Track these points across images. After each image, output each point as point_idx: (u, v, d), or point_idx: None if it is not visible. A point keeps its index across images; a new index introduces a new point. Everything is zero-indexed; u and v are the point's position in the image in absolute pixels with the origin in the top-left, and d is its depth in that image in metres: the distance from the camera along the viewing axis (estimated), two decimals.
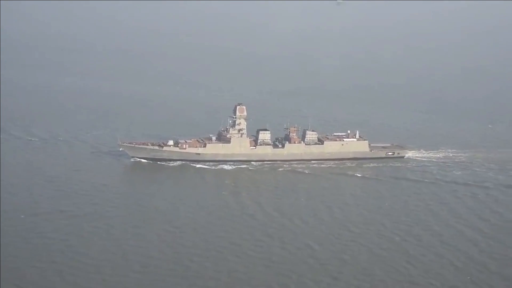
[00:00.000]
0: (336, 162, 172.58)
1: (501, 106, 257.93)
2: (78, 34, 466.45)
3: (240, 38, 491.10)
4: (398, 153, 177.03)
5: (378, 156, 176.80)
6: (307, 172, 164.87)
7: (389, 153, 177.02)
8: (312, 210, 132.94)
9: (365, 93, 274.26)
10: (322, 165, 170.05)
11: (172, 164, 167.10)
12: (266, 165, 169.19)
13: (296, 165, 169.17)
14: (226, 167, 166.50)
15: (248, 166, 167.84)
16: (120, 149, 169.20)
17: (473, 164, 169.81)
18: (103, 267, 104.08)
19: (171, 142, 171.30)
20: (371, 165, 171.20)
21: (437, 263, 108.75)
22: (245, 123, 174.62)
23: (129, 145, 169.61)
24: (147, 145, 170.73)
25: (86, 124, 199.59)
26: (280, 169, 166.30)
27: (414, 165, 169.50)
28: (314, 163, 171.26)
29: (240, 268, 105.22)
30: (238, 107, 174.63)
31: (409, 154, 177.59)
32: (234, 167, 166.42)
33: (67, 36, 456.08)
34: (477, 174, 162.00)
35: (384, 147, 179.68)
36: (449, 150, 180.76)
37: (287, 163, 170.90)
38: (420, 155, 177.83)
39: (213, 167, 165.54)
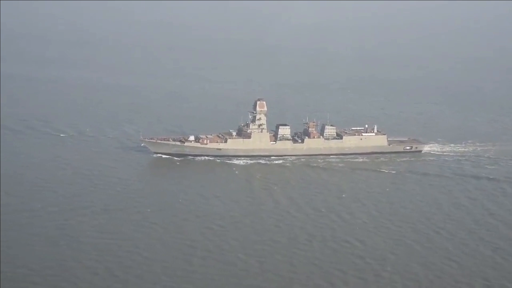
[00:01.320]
0: (364, 157, 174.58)
1: None
2: (92, 28, 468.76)
3: (254, 31, 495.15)
4: (416, 147, 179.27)
5: (396, 150, 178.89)
6: (341, 165, 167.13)
7: (407, 148, 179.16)
8: (347, 206, 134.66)
9: (379, 85, 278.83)
10: (351, 160, 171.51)
11: (196, 159, 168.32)
12: (296, 160, 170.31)
13: (323, 160, 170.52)
14: (249, 161, 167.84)
15: (271, 161, 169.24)
16: (142, 144, 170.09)
17: (497, 158, 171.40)
18: (165, 262, 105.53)
19: (192, 138, 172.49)
20: (399, 159, 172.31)
21: (478, 260, 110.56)
22: (265, 118, 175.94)
23: (151, 141, 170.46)
24: (169, 140, 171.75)
25: (109, 119, 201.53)
26: (309, 164, 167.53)
27: (433, 159, 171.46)
28: (337, 157, 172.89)
29: (285, 266, 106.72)
30: (258, 102, 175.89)
31: (427, 148, 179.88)
32: (254, 161, 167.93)
33: (82, 30, 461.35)
34: (499, 167, 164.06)
35: (401, 141, 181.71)
36: (467, 143, 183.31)
37: (311, 157, 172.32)
38: (437, 149, 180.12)
39: (235, 162, 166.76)
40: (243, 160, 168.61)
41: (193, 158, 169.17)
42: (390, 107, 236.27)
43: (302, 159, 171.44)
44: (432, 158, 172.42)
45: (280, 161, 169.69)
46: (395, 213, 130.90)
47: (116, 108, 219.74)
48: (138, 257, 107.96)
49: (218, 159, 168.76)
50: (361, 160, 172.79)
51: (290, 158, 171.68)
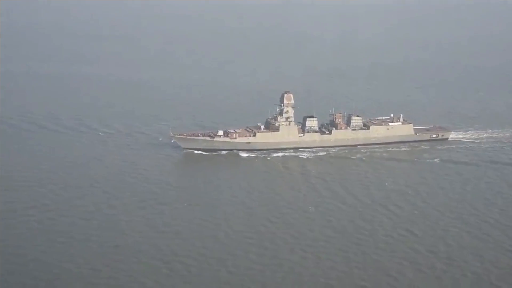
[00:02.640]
0: (406, 145, 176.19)
1: None
2: (111, 24, 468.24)
3: (276, 19, 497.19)
4: (443, 135, 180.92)
5: (423, 139, 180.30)
6: (385, 154, 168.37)
7: (433, 136, 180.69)
8: (401, 195, 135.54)
9: (402, 72, 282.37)
10: (392, 149, 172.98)
11: (227, 153, 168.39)
12: (338, 152, 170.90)
13: (366, 150, 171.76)
14: (285, 154, 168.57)
15: (303, 153, 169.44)
16: (172, 140, 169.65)
17: None
18: (225, 260, 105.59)
19: (220, 133, 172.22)
20: (442, 146, 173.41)
21: None
22: (293, 110, 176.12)
23: (181, 137, 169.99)
24: (198, 136, 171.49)
25: (138, 115, 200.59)
26: (346, 156, 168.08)
27: (463, 146, 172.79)
28: (380, 148, 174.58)
29: (352, 256, 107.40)
30: (285, 95, 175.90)
31: (453, 135, 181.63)
32: (282, 154, 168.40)
33: (100, 25, 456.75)
34: None
35: (427, 130, 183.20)
36: (491, 130, 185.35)
37: (353, 148, 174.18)
38: (463, 136, 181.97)
39: (265, 155, 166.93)
40: (275, 153, 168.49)
41: (222, 153, 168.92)
42: (414, 93, 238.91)
43: (333, 150, 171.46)
44: (461, 146, 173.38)
45: (316, 153, 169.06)
46: (442, 204, 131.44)
47: (144, 104, 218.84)
48: (197, 255, 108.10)
49: (247, 153, 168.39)
50: (403, 149, 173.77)
51: (325, 151, 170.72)
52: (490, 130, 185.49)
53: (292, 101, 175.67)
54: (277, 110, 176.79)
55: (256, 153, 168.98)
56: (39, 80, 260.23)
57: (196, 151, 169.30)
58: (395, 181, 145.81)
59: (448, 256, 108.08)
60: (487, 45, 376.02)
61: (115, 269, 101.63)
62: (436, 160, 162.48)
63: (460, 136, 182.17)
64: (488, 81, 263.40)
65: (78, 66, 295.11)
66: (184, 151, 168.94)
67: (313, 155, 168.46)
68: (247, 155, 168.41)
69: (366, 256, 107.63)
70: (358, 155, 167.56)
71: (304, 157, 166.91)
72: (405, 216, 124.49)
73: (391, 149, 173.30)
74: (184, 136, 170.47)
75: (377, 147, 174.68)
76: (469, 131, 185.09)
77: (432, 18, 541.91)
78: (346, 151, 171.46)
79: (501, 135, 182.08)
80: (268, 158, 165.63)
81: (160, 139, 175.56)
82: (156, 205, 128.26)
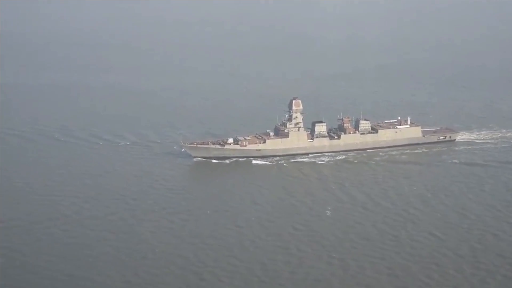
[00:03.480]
0: (423, 147, 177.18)
1: None
2: (111, 32, 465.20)
3: (280, 22, 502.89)
4: (450, 137, 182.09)
5: (431, 141, 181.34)
6: (403, 157, 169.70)
7: (441, 137, 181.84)
8: (419, 198, 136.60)
9: (405, 73, 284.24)
10: (410, 152, 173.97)
11: (239, 161, 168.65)
12: (353, 156, 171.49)
13: (385, 154, 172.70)
14: (298, 160, 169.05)
15: (318, 159, 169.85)
16: (183, 150, 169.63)
17: None
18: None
19: (230, 140, 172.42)
20: (456, 148, 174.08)
21: None
22: (301, 116, 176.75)
23: (191, 145, 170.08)
24: (208, 144, 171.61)
25: (147, 124, 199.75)
26: (373, 160, 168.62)
27: (476, 147, 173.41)
28: (395, 149, 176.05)
29: (378, 262, 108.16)
30: (294, 101, 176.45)
31: (460, 136, 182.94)
32: (301, 159, 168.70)
33: (94, 33, 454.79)
34: None
35: (435, 132, 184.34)
36: (498, 129, 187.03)
37: (365, 152, 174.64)
38: (470, 136, 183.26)
39: (275, 162, 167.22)
40: (287, 159, 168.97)
41: (233, 160, 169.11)
42: (419, 94, 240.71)
43: (350, 154, 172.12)
44: (473, 147, 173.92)
45: (333, 158, 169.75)
46: (464, 206, 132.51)
47: (151, 112, 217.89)
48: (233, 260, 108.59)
49: (259, 160, 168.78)
50: (420, 151, 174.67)
51: (341, 155, 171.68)
52: (497, 130, 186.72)
53: (301, 107, 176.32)
54: (286, 116, 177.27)
55: (267, 159, 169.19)
56: (42, 91, 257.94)
57: (207, 159, 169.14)
58: (413, 184, 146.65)
59: (476, 259, 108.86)
60: (492, 44, 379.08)
61: (148, 281, 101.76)
62: (454, 161, 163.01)
63: (467, 137, 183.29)
64: (493, 81, 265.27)
65: (72, 74, 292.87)
66: (195, 159, 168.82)
67: (327, 159, 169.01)
68: (258, 162, 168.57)
69: (394, 261, 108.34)
70: (376, 158, 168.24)
71: (318, 162, 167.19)
72: (426, 220, 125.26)
73: (408, 151, 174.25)
74: (195, 145, 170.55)
75: (395, 150, 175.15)
76: (475, 132, 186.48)
77: (434, 18, 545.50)
78: (365, 155, 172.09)
79: (509, 134, 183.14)
80: (285, 164, 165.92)
81: (175, 147, 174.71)
82: (178, 214, 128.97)
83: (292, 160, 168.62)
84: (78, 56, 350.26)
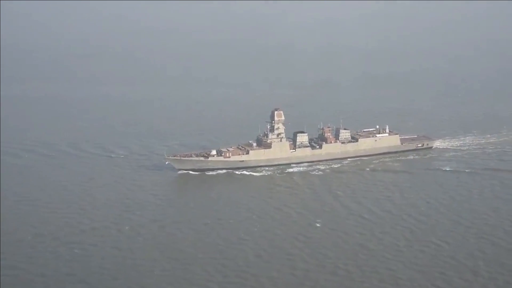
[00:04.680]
0: (413, 153, 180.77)
1: None
2: (89, 38, 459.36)
3: (255, 32, 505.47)
4: (427, 144, 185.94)
5: (409, 148, 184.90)
6: (396, 164, 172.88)
7: (419, 145, 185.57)
8: (414, 206, 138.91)
9: (382, 82, 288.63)
10: (403, 158, 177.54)
11: (222, 173, 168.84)
12: (341, 165, 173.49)
13: (378, 161, 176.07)
14: (292, 170, 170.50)
15: (303, 168, 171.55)
16: (167, 162, 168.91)
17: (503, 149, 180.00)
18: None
19: (214, 152, 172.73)
20: (439, 154, 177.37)
21: None
22: (283, 127, 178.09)
23: (175, 158, 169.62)
24: (191, 156, 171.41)
25: (128, 137, 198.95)
26: (362, 168, 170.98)
27: (450, 154, 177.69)
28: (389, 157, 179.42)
29: (382, 270, 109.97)
30: (276, 112, 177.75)
31: (437, 143, 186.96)
32: (274, 170, 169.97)
33: (78, 41, 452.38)
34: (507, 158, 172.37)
35: (413, 139, 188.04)
36: (472, 136, 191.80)
37: (362, 161, 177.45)
38: (446, 144, 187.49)
39: (257, 173, 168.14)
40: (266, 171, 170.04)
41: (215, 172, 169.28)
42: (397, 102, 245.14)
43: (337, 163, 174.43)
44: (448, 154, 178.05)
45: (315, 167, 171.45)
46: (463, 211, 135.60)
47: (134, 124, 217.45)
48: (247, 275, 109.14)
49: (242, 171, 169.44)
50: (412, 157, 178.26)
51: (335, 165, 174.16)
52: (472, 137, 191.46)
53: (283, 118, 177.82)
54: (268, 127, 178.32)
55: (253, 170, 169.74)
56: (28, 104, 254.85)
57: (190, 172, 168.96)
58: (403, 193, 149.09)
59: (476, 266, 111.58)
60: (465, 50, 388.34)
61: None
62: (445, 169, 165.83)
63: (444, 144, 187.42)
64: (466, 88, 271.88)
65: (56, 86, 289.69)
66: (179, 172, 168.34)
67: (318, 168, 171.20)
68: (245, 172, 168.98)
69: (398, 270, 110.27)
70: (367, 169, 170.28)
71: (311, 172, 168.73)
72: (431, 226, 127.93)
73: (400, 158, 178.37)
74: (178, 158, 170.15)
75: (388, 158, 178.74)
76: (447, 138, 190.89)
77: (414, 22, 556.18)
78: (359, 162, 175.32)
79: (483, 141, 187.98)
80: (278, 175, 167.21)
81: (153, 160, 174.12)
82: (176, 227, 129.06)
83: (278, 170, 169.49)
84: (56, 66, 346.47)
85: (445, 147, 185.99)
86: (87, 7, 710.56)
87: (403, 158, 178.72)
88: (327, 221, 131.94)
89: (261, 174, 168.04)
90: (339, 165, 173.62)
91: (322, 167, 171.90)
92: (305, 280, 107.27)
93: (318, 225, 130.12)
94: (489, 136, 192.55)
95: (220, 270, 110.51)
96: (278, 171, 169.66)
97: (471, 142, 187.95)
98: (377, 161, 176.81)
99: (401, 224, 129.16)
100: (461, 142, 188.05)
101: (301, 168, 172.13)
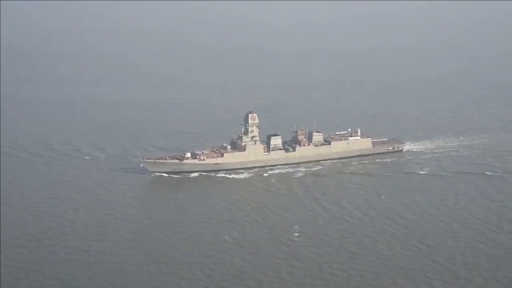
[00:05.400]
0: (389, 156, 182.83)
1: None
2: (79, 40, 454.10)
3: (229, 33, 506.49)
4: (398, 147, 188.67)
5: (380, 151, 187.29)
6: (373, 167, 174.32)
7: (390, 148, 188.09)
8: (392, 209, 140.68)
9: (353, 86, 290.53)
10: (381, 161, 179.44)
11: (197, 175, 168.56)
12: (303, 168, 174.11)
13: (358, 163, 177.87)
14: (247, 175, 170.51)
15: (282, 170, 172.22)
16: (141, 165, 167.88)
17: (469, 153, 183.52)
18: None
19: (188, 155, 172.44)
20: (409, 157, 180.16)
21: None
22: (258, 130, 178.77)
23: (150, 161, 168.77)
24: (166, 159, 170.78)
25: (101, 139, 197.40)
26: (340, 171, 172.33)
27: (419, 157, 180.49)
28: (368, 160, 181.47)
29: (367, 274, 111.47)
30: (250, 115, 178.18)
31: (407, 147, 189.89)
32: (251, 173, 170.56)
33: (69, 42, 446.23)
34: (479, 161, 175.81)
35: (384, 142, 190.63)
36: (441, 139, 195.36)
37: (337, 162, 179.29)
38: (417, 147, 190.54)
39: (234, 176, 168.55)
40: (241, 173, 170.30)
41: (189, 175, 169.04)
42: (369, 106, 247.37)
43: (315, 166, 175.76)
44: (418, 157, 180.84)
45: (293, 170, 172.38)
46: (441, 214, 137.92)
47: (106, 126, 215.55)
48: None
49: (216, 173, 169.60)
50: (390, 160, 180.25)
51: (306, 167, 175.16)
52: (440, 140, 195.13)
53: (257, 121, 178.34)
54: (243, 130, 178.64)
55: (225, 172, 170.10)
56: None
57: (164, 174, 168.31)
58: (380, 195, 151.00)
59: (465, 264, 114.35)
60: (436, 53, 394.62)
61: None
62: (419, 172, 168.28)
63: (415, 147, 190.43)
64: (432, 91, 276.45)
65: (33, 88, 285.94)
66: (153, 174, 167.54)
67: (301, 170, 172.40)
68: (218, 175, 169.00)
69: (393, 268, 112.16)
70: (346, 171, 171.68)
71: (288, 175, 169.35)
72: (412, 229, 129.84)
73: (378, 160, 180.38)
74: (153, 160, 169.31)
75: (366, 161, 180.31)
76: (417, 142, 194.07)
77: (392, 23, 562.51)
78: (339, 164, 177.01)
79: (451, 144, 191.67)
80: (259, 177, 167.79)
81: (127, 164, 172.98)
82: (157, 229, 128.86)
83: (253, 174, 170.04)
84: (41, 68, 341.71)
85: (417, 150, 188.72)
86: (87, 7, 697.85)
87: (379, 160, 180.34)
88: (309, 224, 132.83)
89: (238, 176, 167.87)
90: (317, 168, 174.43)
91: (302, 169, 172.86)
92: (291, 284, 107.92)
93: (296, 228, 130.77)
94: (462, 138, 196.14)
95: (208, 274, 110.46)
96: (253, 174, 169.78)
97: (444, 145, 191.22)
98: (356, 163, 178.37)
99: (382, 227, 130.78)
100: (435, 145, 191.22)
101: (279, 170, 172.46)
